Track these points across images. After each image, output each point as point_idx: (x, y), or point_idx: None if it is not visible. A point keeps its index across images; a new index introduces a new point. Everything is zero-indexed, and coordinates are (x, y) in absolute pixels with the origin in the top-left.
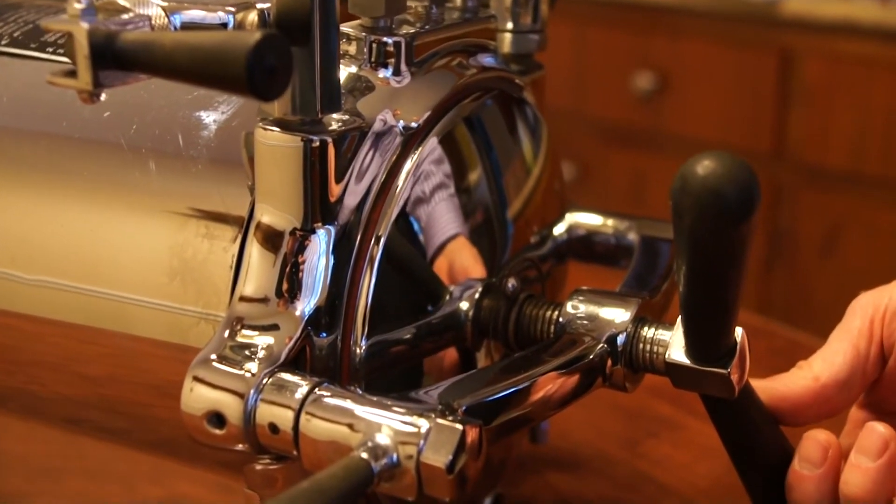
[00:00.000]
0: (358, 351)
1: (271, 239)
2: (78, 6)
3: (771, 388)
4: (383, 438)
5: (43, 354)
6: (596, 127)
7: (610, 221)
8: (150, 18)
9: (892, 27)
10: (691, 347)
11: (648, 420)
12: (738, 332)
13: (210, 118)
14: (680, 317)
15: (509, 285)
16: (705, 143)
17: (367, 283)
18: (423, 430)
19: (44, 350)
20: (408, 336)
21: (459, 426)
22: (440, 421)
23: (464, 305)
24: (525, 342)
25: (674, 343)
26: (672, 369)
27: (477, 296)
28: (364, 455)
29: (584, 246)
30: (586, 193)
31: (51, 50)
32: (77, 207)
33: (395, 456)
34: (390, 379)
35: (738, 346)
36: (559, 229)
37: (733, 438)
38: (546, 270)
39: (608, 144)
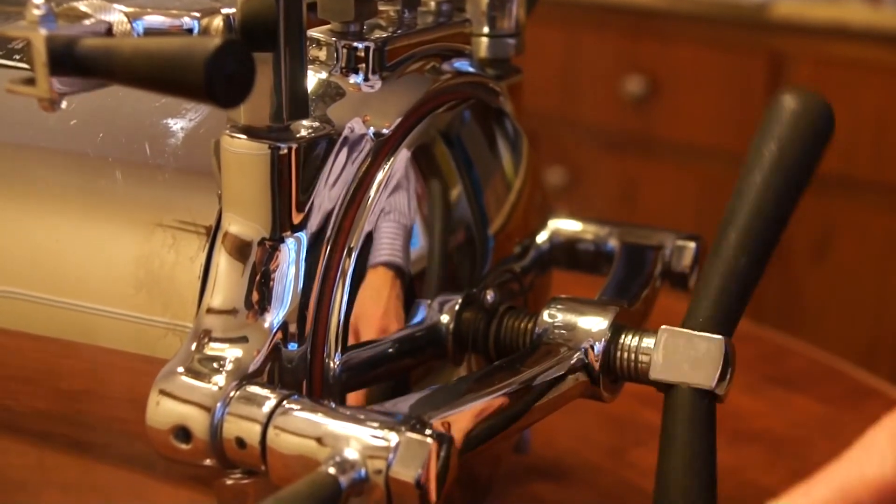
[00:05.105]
0: (332, 365)
1: (239, 249)
2: (37, 12)
3: None
4: (351, 453)
5: (17, 368)
6: (586, 131)
7: (591, 228)
8: (111, 24)
9: (882, 30)
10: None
11: (636, 428)
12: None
13: (178, 126)
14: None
15: (489, 297)
16: (696, 147)
17: (340, 296)
18: (392, 444)
19: (18, 364)
20: (386, 350)
21: (430, 440)
22: (410, 435)
23: (444, 318)
24: (505, 354)
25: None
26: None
27: (457, 308)
28: (331, 470)
29: (565, 253)
30: (577, 198)
31: (18, 57)
32: (42, 217)
33: (363, 471)
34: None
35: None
36: (542, 237)
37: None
38: (528, 282)
39: (599, 149)
